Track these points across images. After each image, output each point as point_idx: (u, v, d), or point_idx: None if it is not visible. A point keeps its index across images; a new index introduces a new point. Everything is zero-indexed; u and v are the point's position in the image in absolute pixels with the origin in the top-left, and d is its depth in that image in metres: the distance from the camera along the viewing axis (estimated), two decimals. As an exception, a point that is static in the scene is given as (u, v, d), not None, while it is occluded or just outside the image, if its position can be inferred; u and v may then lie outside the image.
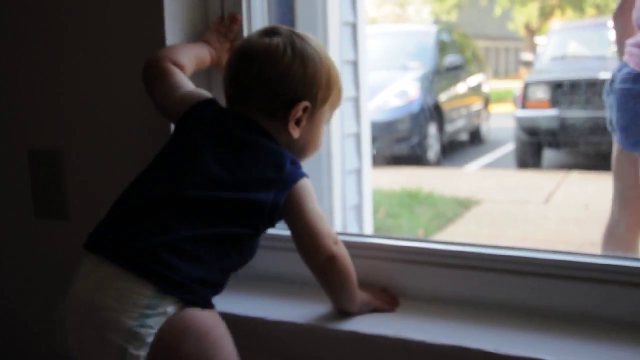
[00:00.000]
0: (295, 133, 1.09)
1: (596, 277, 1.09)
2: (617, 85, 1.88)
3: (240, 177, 1.04)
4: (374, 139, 3.09)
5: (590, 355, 0.96)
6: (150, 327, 0.95)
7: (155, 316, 0.95)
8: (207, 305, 1.03)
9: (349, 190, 2.41)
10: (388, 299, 1.18)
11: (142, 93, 1.22)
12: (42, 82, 1.36)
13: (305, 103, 1.08)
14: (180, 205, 1.01)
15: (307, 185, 1.08)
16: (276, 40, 1.08)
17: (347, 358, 1.12)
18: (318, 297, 1.14)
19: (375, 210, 3.49)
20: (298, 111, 1.08)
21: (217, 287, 1.06)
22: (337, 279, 1.10)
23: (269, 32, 1.11)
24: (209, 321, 0.99)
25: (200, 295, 1.01)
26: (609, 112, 1.92)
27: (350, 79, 2.52)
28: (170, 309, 0.97)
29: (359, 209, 2.52)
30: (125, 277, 0.96)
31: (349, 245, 1.26)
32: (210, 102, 1.12)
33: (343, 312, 1.13)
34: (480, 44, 6.09)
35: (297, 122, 1.09)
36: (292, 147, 1.10)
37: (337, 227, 2.15)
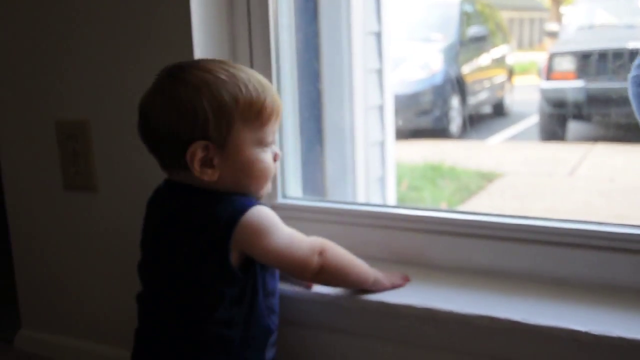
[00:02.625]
0: (207, 176, 0.98)
1: (623, 246, 1.08)
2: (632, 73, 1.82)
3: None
4: (397, 112, 3.06)
5: (619, 325, 0.95)
6: None
7: None
8: None
9: (372, 162, 2.40)
10: (398, 275, 1.17)
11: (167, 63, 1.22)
12: (67, 53, 1.37)
13: (198, 143, 0.96)
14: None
15: (257, 221, 0.98)
16: (148, 92, 1.03)
17: (375, 328, 1.13)
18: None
19: (398, 183, 3.48)
20: (193, 155, 0.96)
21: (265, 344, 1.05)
22: (335, 280, 1.10)
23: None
24: None
25: None
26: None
27: (374, 51, 2.50)
28: None
29: (382, 181, 2.52)
30: None
31: (373, 215, 1.27)
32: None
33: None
34: (505, 15, 5.97)
35: (208, 164, 0.98)
36: (220, 185, 1.00)
37: (361, 198, 2.15)
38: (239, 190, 1.02)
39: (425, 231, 1.23)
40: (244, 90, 0.98)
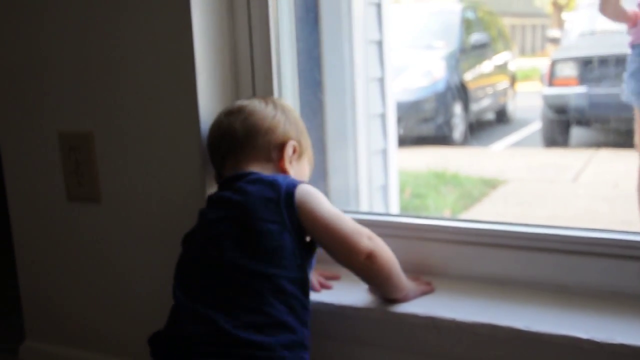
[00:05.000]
0: (289, 167, 1.16)
1: (627, 254, 1.08)
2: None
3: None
4: (400, 120, 3.06)
5: (621, 332, 0.95)
6: None
7: None
8: None
9: (375, 170, 2.40)
10: (425, 282, 1.18)
11: (171, 76, 1.23)
12: (70, 64, 1.37)
13: (294, 142, 1.18)
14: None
15: (309, 190, 1.08)
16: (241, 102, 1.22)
17: (378, 336, 1.13)
18: (349, 278, 1.14)
19: (401, 191, 3.47)
20: (290, 147, 1.17)
21: (302, 344, 1.03)
22: (382, 274, 1.08)
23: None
24: None
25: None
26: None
27: (375, 59, 2.51)
28: None
29: (385, 189, 2.52)
30: None
31: (376, 224, 1.27)
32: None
33: (392, 301, 1.12)
34: (506, 22, 5.97)
35: (291, 160, 1.18)
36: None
37: (364, 207, 2.15)
38: None
39: (428, 240, 1.23)
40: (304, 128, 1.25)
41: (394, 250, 1.24)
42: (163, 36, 1.25)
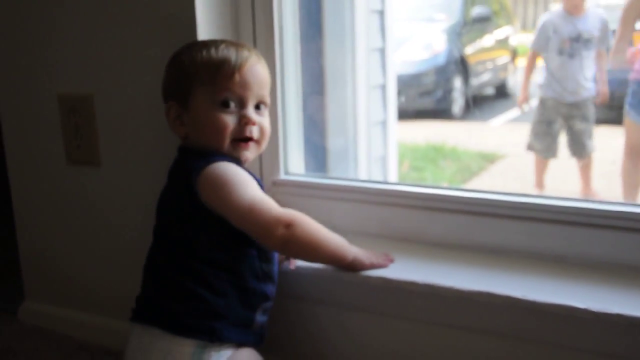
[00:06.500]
0: (177, 132, 1.12)
1: (624, 225, 1.08)
2: None
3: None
4: (399, 92, 3.05)
5: (618, 302, 0.96)
6: None
7: None
8: (252, 340, 1.08)
9: (374, 141, 2.40)
10: (383, 256, 1.16)
11: (173, 38, 1.22)
12: (71, 25, 1.36)
13: (169, 104, 1.12)
14: (163, 252, 1.10)
15: (216, 173, 1.04)
16: None
17: (376, 304, 1.13)
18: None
19: (400, 164, 3.47)
20: (168, 113, 1.12)
21: (254, 305, 1.07)
22: (305, 255, 1.10)
23: None
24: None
25: (229, 332, 1.04)
26: None
27: (377, 30, 2.49)
28: (217, 358, 1.02)
29: (384, 160, 2.52)
30: (163, 337, 1.02)
31: (375, 192, 1.27)
32: None
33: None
34: (509, -4, 5.91)
35: (180, 122, 1.11)
36: (193, 143, 1.11)
37: (362, 177, 2.15)
38: (205, 147, 1.09)
39: (426, 208, 1.23)
40: (204, 53, 1.09)
41: (392, 219, 1.26)
42: (166, 3, 1.23)
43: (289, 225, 1.03)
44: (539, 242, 1.15)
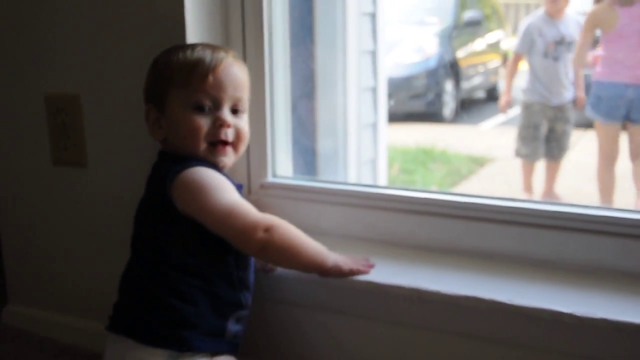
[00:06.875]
0: (155, 135, 1.11)
1: (609, 230, 1.09)
2: None
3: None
4: (390, 95, 3.06)
5: (603, 307, 0.96)
6: None
7: None
8: (226, 348, 1.06)
9: (364, 144, 2.40)
10: (363, 262, 1.13)
11: (161, 39, 1.21)
12: (58, 25, 1.35)
13: (147, 106, 1.12)
14: (139, 262, 1.09)
15: (192, 178, 1.03)
16: None
17: (363, 307, 1.13)
18: (336, 248, 1.15)
19: (390, 166, 3.48)
20: (147, 116, 1.11)
21: (226, 314, 1.06)
22: (282, 261, 1.07)
23: None
24: None
25: (205, 339, 1.03)
26: None
27: (368, 32, 2.49)
28: None
29: (373, 163, 2.52)
30: (135, 347, 1.02)
31: (364, 196, 1.27)
32: None
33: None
34: (501, 0, 5.94)
35: (158, 125, 1.11)
36: (171, 147, 1.10)
37: (352, 180, 2.15)
38: (182, 151, 1.08)
39: (414, 212, 1.23)
40: (179, 55, 1.08)
41: (380, 222, 1.25)
42: (154, 3, 1.23)
43: (267, 229, 1.01)
44: (526, 247, 1.15)
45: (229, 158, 1.10)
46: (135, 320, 1.04)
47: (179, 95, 1.07)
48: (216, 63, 1.07)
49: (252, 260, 1.12)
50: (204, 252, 1.05)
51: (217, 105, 1.07)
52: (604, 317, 0.93)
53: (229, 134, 1.08)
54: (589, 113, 3.09)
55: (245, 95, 1.11)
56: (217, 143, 1.08)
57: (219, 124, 1.07)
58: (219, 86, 1.06)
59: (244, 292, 1.09)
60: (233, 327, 1.08)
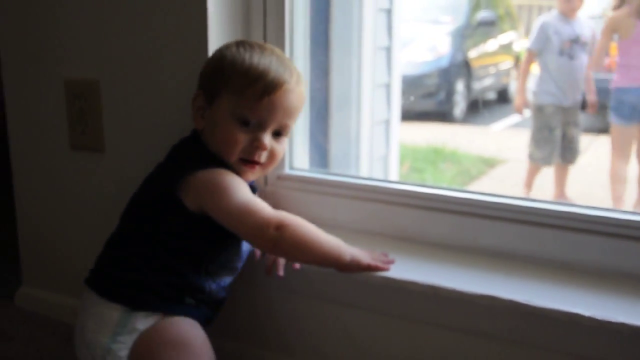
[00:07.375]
0: (197, 122, 1.12)
1: (631, 234, 1.08)
2: None
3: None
4: (402, 93, 3.05)
5: (622, 311, 0.95)
6: (123, 342, 1.02)
7: (126, 333, 1.03)
8: (182, 312, 1.06)
9: (377, 140, 2.40)
10: (382, 257, 1.13)
11: (181, 25, 1.21)
12: (78, 10, 1.35)
13: (198, 91, 1.11)
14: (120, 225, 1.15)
15: (208, 177, 1.05)
16: None
17: (377, 302, 1.13)
18: (352, 243, 1.14)
19: (400, 164, 3.47)
20: (195, 100, 1.11)
21: (185, 291, 1.07)
22: (297, 257, 1.09)
23: None
24: (181, 331, 1.03)
25: (157, 301, 1.05)
26: None
27: (383, 28, 2.48)
28: (144, 323, 1.03)
29: (385, 160, 2.52)
30: (99, 302, 1.07)
31: (378, 190, 1.26)
32: None
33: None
34: (514, 1, 5.91)
35: (201, 113, 1.11)
36: (206, 139, 1.10)
37: (364, 176, 2.15)
38: (213, 148, 1.09)
39: (429, 209, 1.23)
40: (246, 58, 1.06)
41: (394, 217, 1.25)
42: (176, -13, 1.23)
43: (278, 227, 1.02)
44: (544, 248, 1.14)
45: (254, 175, 1.12)
46: (100, 275, 1.10)
47: (230, 101, 1.06)
48: (277, 85, 1.05)
49: (240, 257, 1.14)
50: (186, 237, 1.06)
51: (261, 126, 1.07)
52: (624, 321, 0.93)
53: (262, 157, 1.09)
54: (611, 118, 3.14)
55: (293, 121, 1.11)
56: (249, 161, 1.08)
57: (256, 145, 1.07)
58: (271, 110, 1.06)
59: (209, 281, 1.09)
60: (190, 301, 1.08)
